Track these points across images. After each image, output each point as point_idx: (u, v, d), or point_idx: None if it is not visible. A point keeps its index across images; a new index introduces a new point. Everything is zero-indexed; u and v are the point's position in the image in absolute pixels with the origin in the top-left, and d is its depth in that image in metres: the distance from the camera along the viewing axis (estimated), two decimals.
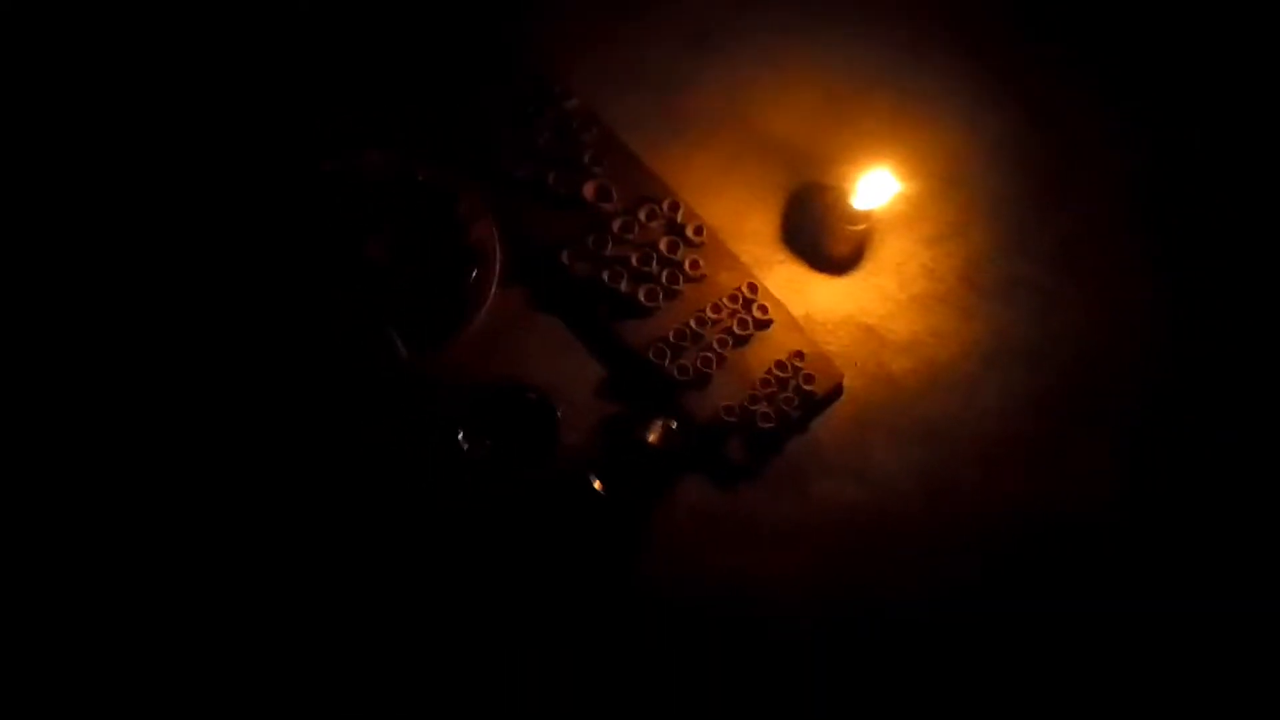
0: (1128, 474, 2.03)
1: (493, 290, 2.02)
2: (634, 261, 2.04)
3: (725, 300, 2.03)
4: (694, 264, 2.05)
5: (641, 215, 2.08)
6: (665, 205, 2.09)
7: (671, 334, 1.99)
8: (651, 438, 1.87)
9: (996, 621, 1.95)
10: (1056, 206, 2.19)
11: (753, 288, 2.04)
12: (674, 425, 1.91)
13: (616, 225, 2.06)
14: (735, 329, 2.01)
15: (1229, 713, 1.92)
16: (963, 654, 1.93)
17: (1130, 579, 1.98)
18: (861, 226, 2.07)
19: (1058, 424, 2.06)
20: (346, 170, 2.05)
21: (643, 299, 2.02)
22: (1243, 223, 2.16)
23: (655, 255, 2.05)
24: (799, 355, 1.99)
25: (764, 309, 2.02)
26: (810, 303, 2.09)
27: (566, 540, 1.90)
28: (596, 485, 1.84)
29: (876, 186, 2.02)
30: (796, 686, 1.90)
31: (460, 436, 1.90)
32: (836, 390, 2.01)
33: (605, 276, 2.02)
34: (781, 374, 1.98)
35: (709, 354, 1.98)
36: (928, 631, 1.93)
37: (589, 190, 2.09)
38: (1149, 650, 1.94)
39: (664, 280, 2.03)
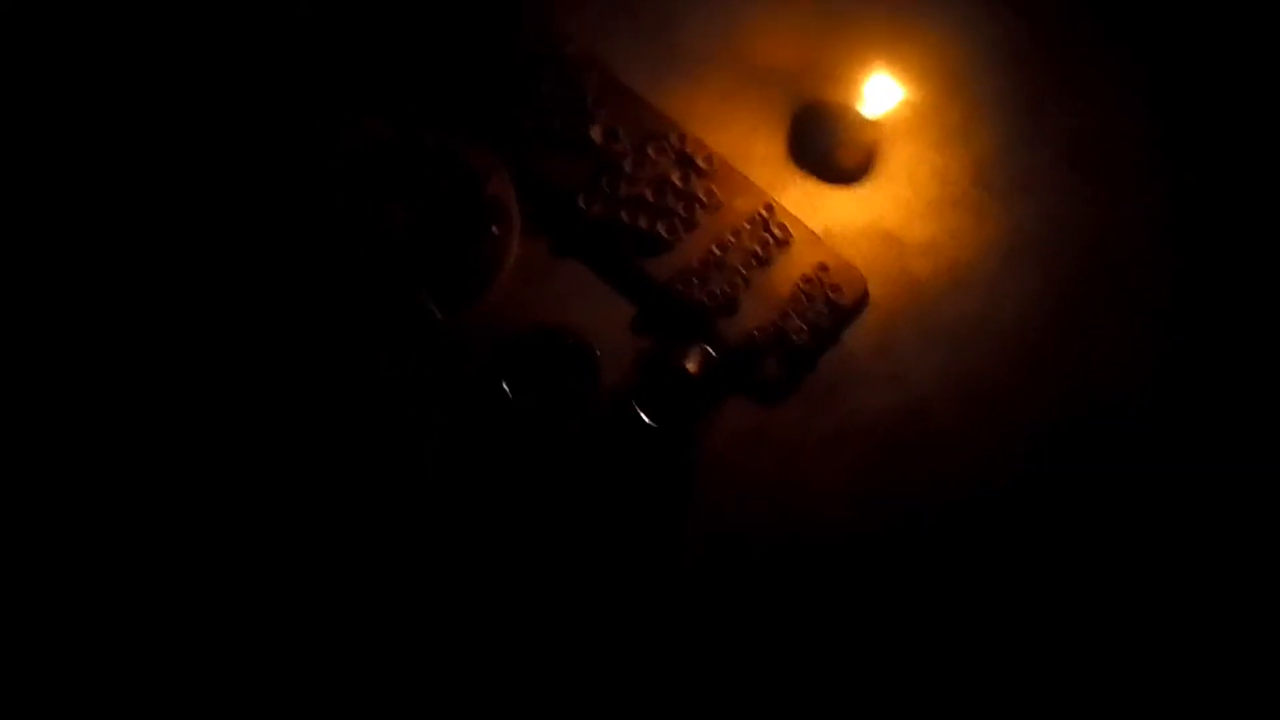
0: (1150, 361, 2.07)
1: (514, 242, 2.05)
2: (649, 197, 2.06)
3: (744, 224, 2.05)
4: (708, 193, 2.07)
5: (651, 151, 2.09)
6: (673, 138, 2.10)
7: (696, 263, 2.02)
8: (691, 367, 1.90)
9: (1033, 514, 1.99)
10: (1058, 103, 2.19)
11: (769, 208, 2.06)
12: (710, 351, 1.94)
13: (628, 164, 2.08)
14: (758, 251, 2.03)
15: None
16: (1002, 548, 1.98)
17: (1160, 465, 2.02)
18: (870, 135, 2.08)
19: (1078, 315, 2.09)
20: (352, 142, 2.06)
21: (663, 233, 2.04)
22: (1251, 106, 2.17)
23: (670, 189, 2.07)
24: (823, 268, 2.02)
25: (783, 227, 2.05)
26: (828, 216, 2.11)
27: (617, 476, 1.95)
28: (645, 418, 1.87)
29: (881, 92, 2.03)
30: (846, 598, 1.95)
31: (505, 387, 1.92)
32: (863, 298, 2.04)
33: (623, 215, 2.05)
34: (808, 288, 2.01)
35: (735, 278, 2.01)
36: (966, 527, 1.98)
37: (596, 133, 2.10)
38: (1186, 531, 1.98)
39: (681, 212, 2.05)
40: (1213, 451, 2.01)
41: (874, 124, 2.07)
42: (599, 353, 1.98)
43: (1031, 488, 2.01)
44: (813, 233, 2.07)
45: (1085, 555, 1.98)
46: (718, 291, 2.00)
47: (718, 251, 2.03)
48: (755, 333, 1.98)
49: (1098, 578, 1.97)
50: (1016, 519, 1.99)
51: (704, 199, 2.06)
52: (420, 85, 2.13)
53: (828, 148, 2.13)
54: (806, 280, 2.01)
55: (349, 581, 1.93)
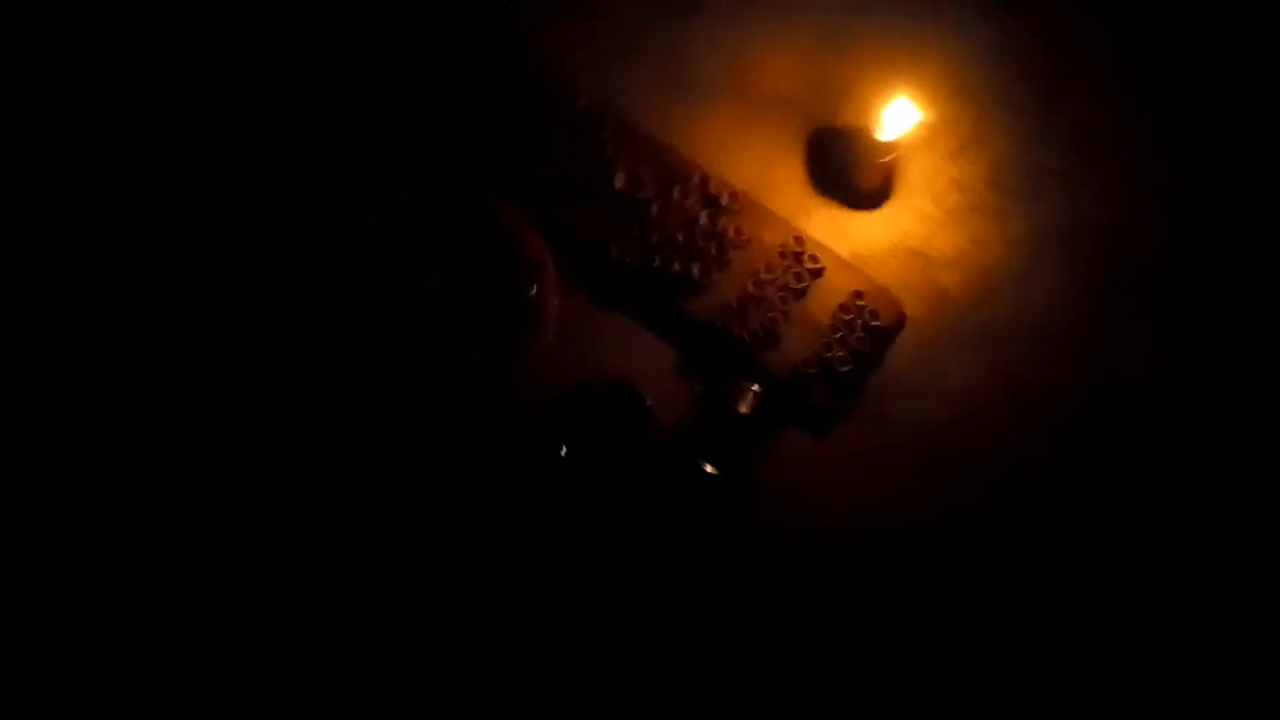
0: (1175, 341, 2.12)
1: (554, 298, 2.09)
2: (680, 241, 2.10)
3: (775, 258, 2.09)
4: (737, 230, 2.11)
5: (675, 194, 2.13)
6: (695, 179, 2.14)
7: (734, 301, 2.06)
8: (744, 408, 1.95)
9: (1081, 496, 2.05)
10: (1062, 97, 2.24)
11: (798, 239, 2.10)
12: (757, 389, 1.99)
13: (654, 210, 2.11)
14: (792, 283, 2.08)
15: None
16: (1055, 545, 2.03)
17: (1193, 440, 2.07)
18: (886, 155, 2.12)
19: (1103, 303, 2.14)
20: (385, 217, 2.09)
21: (697, 275, 2.08)
22: (1256, 89, 2.21)
23: (699, 230, 2.10)
24: (859, 294, 2.07)
25: (814, 258, 2.09)
26: (854, 240, 2.16)
27: (681, 520, 2.00)
28: (708, 468, 1.93)
29: (899, 116, 2.07)
30: (918, 606, 2.00)
31: (563, 449, 1.97)
32: (901, 319, 2.09)
33: (657, 261, 2.09)
34: (847, 315, 2.06)
35: (774, 313, 2.06)
36: (1021, 528, 2.04)
37: (620, 182, 2.13)
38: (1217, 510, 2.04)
39: (713, 252, 2.09)
40: (1235, 443, 2.07)
41: (893, 145, 2.11)
42: (649, 401, 2.02)
43: (1073, 483, 2.07)
44: (843, 259, 2.11)
45: (1125, 550, 2.04)
46: (758, 328, 2.05)
47: (753, 288, 2.07)
48: (801, 364, 2.03)
49: (1140, 574, 2.02)
50: (1064, 515, 2.05)
51: (733, 237, 2.10)
52: (440, 148, 2.16)
53: (847, 172, 2.17)
54: (844, 309, 2.06)
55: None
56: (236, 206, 2.12)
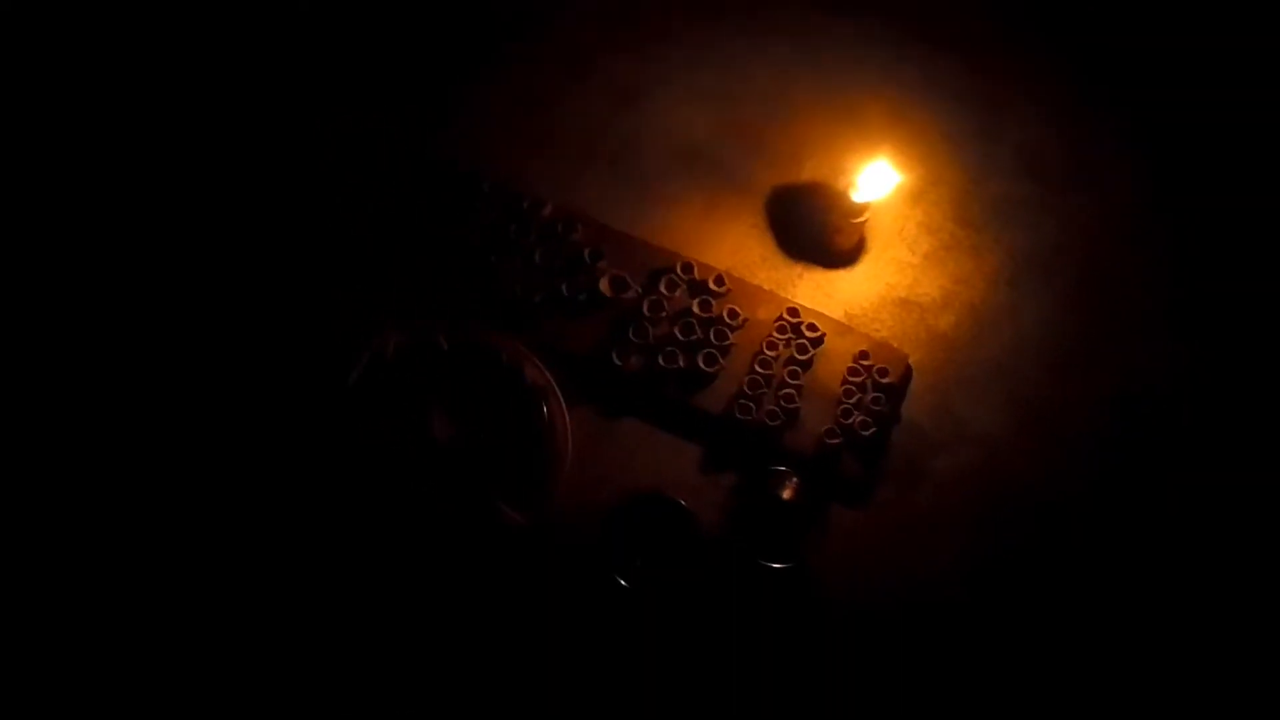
0: (1175, 343, 2.16)
1: (566, 421, 2.01)
2: (678, 335, 2.06)
3: (775, 334, 2.07)
4: (731, 313, 2.08)
5: (662, 288, 2.09)
6: (679, 269, 2.11)
7: (745, 386, 2.03)
8: (787, 495, 1.92)
9: (1124, 506, 2.06)
10: (1003, 123, 2.31)
11: (793, 311, 2.09)
12: (792, 472, 1.96)
13: (646, 308, 2.07)
14: (797, 355, 2.06)
15: None
16: (1106, 555, 2.03)
17: (1216, 442, 2.09)
18: (863, 217, 2.13)
19: (1096, 313, 2.19)
20: (374, 366, 1.99)
21: (703, 365, 2.04)
22: (1185, 85, 2.31)
23: (694, 320, 2.07)
24: (863, 354, 2.06)
25: (812, 326, 2.08)
26: (843, 301, 2.16)
27: (748, 617, 1.94)
28: (775, 565, 1.88)
29: (876, 177, 2.08)
30: (978, 664, 1.97)
31: (621, 581, 1.89)
32: (908, 371, 2.09)
33: (660, 360, 2.04)
34: (856, 378, 2.05)
35: (787, 389, 2.03)
36: (1075, 530, 2.03)
37: (604, 286, 2.09)
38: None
39: (713, 340, 2.06)
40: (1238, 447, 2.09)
41: (867, 205, 2.11)
42: (685, 503, 1.97)
43: (1108, 492, 2.08)
44: (838, 322, 2.11)
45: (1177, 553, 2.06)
46: (775, 409, 2.02)
47: (760, 368, 2.04)
48: (824, 436, 2.00)
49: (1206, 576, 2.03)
50: (1107, 524, 2.06)
51: (729, 320, 2.08)
52: (416, 285, 2.10)
53: (819, 234, 2.18)
54: (853, 372, 2.05)
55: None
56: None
